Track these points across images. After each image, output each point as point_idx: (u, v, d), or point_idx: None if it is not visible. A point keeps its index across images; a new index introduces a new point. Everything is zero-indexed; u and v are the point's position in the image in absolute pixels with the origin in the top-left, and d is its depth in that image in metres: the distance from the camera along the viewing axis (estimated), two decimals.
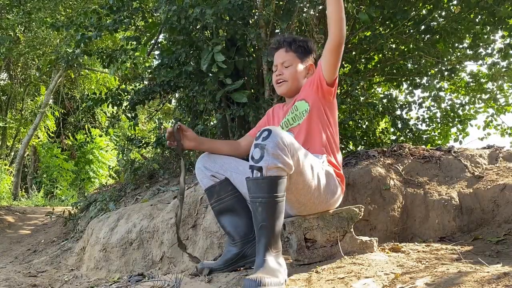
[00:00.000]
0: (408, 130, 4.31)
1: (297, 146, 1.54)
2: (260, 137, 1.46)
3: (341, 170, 1.79)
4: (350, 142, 4.51)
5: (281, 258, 1.48)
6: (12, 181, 8.62)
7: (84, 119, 11.52)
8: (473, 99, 4.59)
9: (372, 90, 4.78)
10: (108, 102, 3.76)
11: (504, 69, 4.01)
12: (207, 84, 3.20)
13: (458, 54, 4.05)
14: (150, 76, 3.87)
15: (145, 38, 3.85)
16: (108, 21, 3.53)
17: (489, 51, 4.00)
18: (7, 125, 9.43)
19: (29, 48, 6.97)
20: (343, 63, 4.07)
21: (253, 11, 3.17)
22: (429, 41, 3.77)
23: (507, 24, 3.60)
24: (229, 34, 3.18)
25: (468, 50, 3.99)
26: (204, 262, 1.79)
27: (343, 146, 4.48)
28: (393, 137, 4.55)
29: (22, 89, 9.75)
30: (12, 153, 10.56)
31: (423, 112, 4.68)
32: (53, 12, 6.32)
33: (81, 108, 10.82)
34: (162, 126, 4.98)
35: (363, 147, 4.28)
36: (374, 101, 3.87)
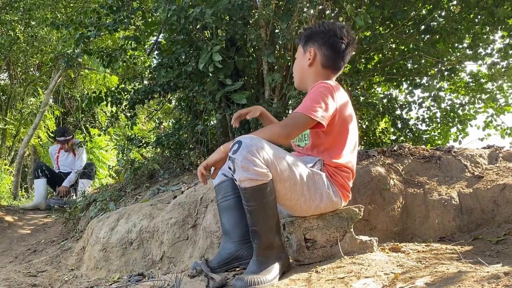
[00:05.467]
0: (408, 130, 4.31)
1: (274, 153, 1.50)
2: (232, 150, 1.47)
3: (342, 177, 1.70)
4: None
5: (274, 256, 1.53)
6: (12, 181, 8.59)
7: (84, 119, 11.50)
8: (473, 99, 4.59)
9: (372, 90, 4.78)
10: (107, 101, 3.76)
11: (503, 69, 4.01)
12: (207, 85, 3.20)
13: (458, 54, 4.05)
14: (150, 76, 3.87)
15: (143, 36, 3.85)
16: (108, 21, 3.53)
17: (488, 51, 4.01)
18: (6, 126, 9.41)
19: (27, 46, 6.93)
20: None
21: (253, 11, 3.17)
22: (429, 41, 3.78)
23: (507, 24, 3.60)
24: (229, 34, 3.18)
25: (468, 50, 3.99)
26: (197, 262, 1.78)
27: None
28: (393, 137, 4.55)
29: (22, 89, 9.74)
30: (12, 153, 10.54)
31: (423, 112, 4.69)
32: (53, 10, 6.29)
33: (80, 108, 10.80)
34: (161, 126, 4.98)
35: (363, 147, 4.28)
36: (374, 101, 3.87)
